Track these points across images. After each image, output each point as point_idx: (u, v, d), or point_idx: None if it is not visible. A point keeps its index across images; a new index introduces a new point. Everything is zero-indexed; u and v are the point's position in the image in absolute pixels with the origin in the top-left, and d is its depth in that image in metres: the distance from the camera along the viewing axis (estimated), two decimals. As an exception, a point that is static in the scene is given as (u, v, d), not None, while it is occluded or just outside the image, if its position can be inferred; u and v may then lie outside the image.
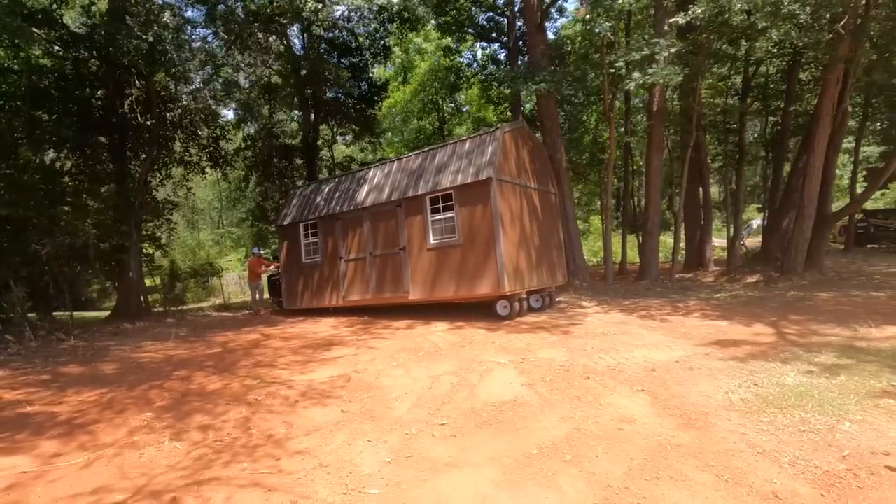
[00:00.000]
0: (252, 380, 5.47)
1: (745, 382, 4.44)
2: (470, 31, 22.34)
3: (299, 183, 23.17)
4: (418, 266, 9.51)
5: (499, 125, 9.49)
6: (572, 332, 7.24)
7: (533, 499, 2.72)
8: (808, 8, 7.31)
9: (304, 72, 18.47)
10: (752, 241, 22.71)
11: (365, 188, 10.66)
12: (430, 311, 10.14)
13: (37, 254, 9.45)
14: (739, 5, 7.26)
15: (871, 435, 3.21)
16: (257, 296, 12.89)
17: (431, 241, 9.36)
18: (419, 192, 9.41)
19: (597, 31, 9.33)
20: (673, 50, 9.00)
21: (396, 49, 27.00)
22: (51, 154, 11.16)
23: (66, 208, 10.21)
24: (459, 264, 8.91)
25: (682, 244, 17.81)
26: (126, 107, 11.13)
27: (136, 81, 10.86)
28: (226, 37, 10.79)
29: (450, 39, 25.38)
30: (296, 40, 21.43)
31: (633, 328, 7.32)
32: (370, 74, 23.35)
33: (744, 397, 4.08)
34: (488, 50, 24.14)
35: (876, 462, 2.87)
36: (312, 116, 20.92)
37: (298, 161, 22.40)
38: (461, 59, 26.31)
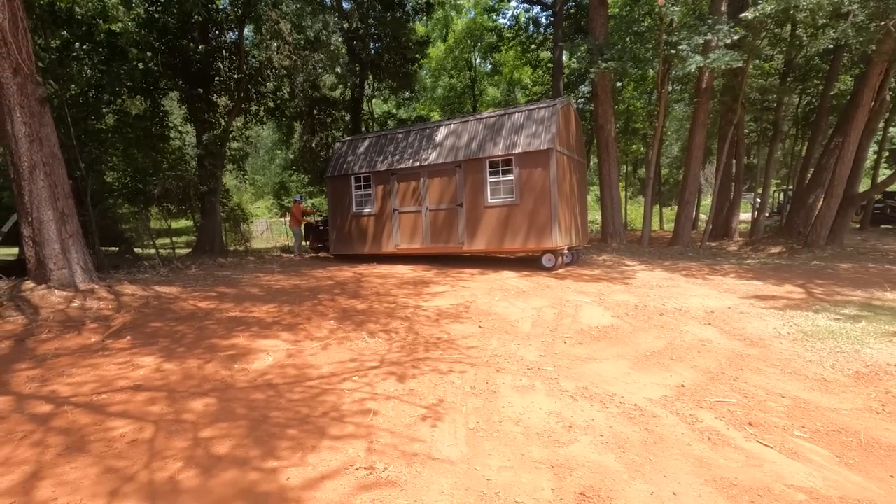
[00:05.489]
0: (387, 304, 6.87)
1: (787, 323, 5.77)
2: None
3: (338, 134, 24.14)
4: (477, 221, 10.66)
5: (557, 100, 10.46)
6: (631, 283, 8.58)
7: (660, 377, 4.10)
8: (865, 10, 8.15)
9: (353, 25, 19.11)
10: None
11: (426, 147, 11.54)
12: (480, 262, 11.47)
13: (150, 194, 10.75)
14: (805, 3, 8.10)
15: (887, 356, 4.54)
16: (300, 241, 14.31)
17: (489, 200, 10.48)
18: (480, 156, 10.45)
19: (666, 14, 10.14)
20: (735, 37, 9.86)
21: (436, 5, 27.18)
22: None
23: (168, 154, 11.38)
24: (519, 221, 10.14)
25: (703, 215, 18.97)
26: (216, 59, 12.11)
27: (228, 36, 11.73)
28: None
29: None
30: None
31: (681, 283, 8.65)
32: (411, 30, 23.73)
33: (789, 331, 5.42)
34: (531, 12, 24.33)
35: (891, 369, 4.21)
36: (359, 69, 21.59)
37: (336, 113, 23.25)
38: (502, 21, 26.58)
